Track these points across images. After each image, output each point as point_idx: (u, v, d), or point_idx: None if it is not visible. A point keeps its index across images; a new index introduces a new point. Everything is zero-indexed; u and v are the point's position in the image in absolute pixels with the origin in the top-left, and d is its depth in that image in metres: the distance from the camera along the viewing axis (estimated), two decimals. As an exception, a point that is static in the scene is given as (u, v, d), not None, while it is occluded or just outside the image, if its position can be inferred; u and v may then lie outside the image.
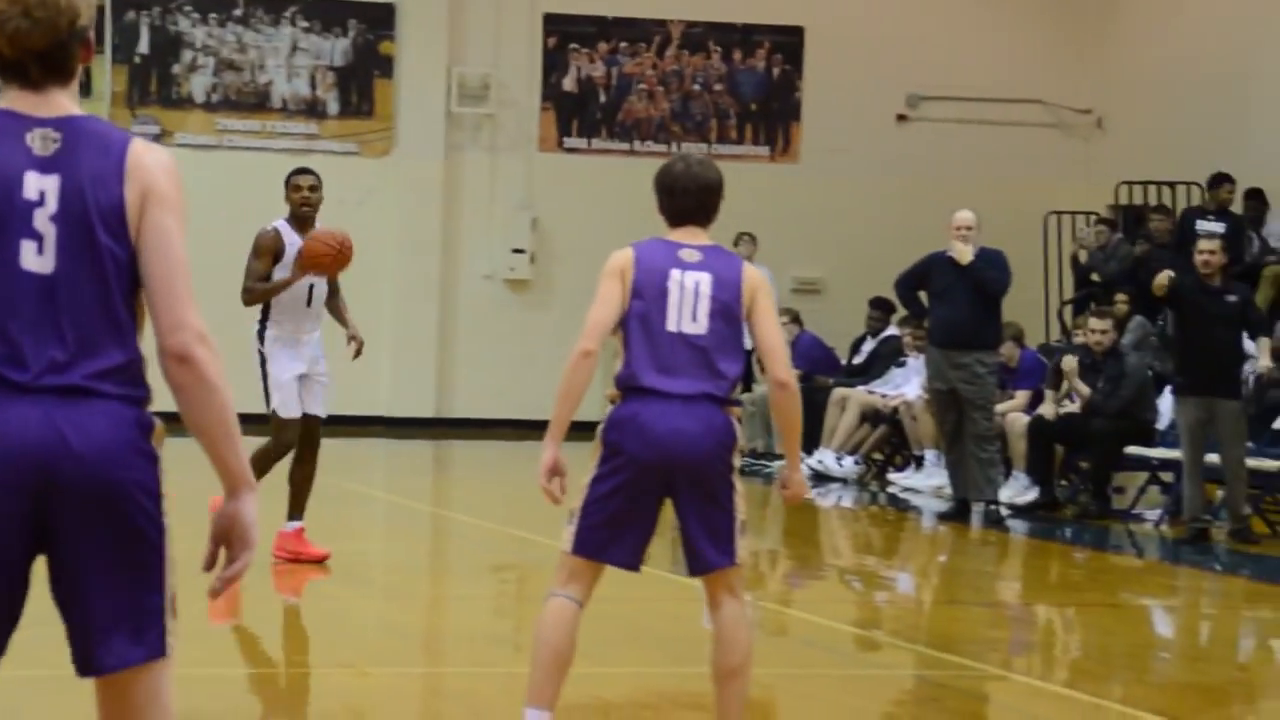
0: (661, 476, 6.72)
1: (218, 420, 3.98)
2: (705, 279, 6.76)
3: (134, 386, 3.97)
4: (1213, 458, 15.47)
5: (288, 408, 11.81)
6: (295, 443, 11.87)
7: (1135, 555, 15.29)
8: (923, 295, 16.84)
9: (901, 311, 21.24)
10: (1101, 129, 24.73)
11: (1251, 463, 15.72)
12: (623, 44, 24.40)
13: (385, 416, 23.38)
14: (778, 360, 6.77)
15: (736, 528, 6.77)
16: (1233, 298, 15.62)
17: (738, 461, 6.82)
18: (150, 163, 4.01)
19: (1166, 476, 16.99)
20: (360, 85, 23.73)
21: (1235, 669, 10.67)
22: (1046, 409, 17.43)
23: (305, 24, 23.62)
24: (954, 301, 16.21)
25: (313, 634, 10.45)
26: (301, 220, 11.82)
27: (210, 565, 4.07)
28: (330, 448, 21.15)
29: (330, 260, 11.44)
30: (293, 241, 11.73)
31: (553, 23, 24.17)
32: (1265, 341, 16.41)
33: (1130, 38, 24.31)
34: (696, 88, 24.55)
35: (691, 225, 6.91)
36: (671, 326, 6.74)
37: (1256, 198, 20.90)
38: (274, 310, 11.94)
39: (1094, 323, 17.56)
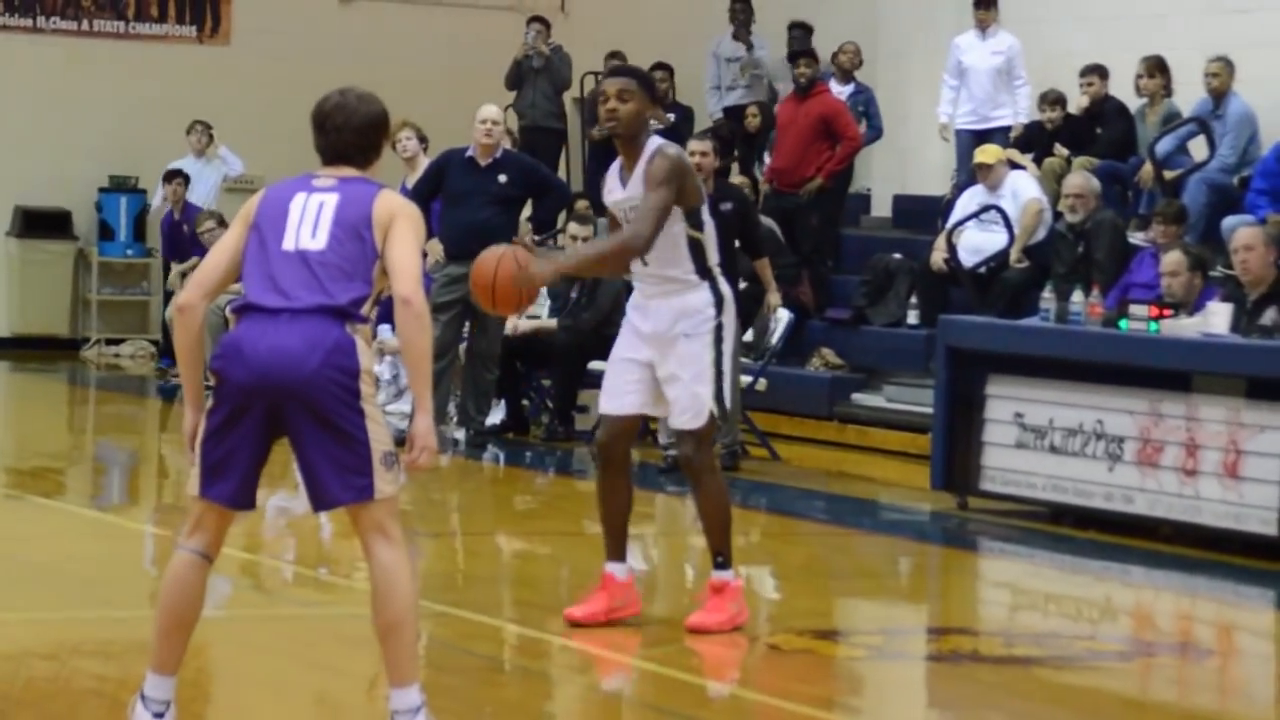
0: (265, 401, 6.63)
1: None
2: (332, 198, 6.82)
3: None
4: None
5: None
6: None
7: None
8: None
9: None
10: (564, 12, 24.86)
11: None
12: (25, -88, 23.83)
13: None
14: (403, 276, 6.72)
15: (375, 459, 6.65)
16: (727, 206, 15.48)
17: (368, 384, 6.69)
18: None
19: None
20: None
21: (687, 594, 10.75)
22: (511, 323, 17.10)
23: None
24: (471, 205, 15.96)
25: None
26: None
27: None
28: None
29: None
30: None
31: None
32: (765, 263, 16.36)
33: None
34: (111, -41, 24.05)
35: (347, 166, 6.95)
36: (289, 245, 6.75)
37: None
38: None
39: (575, 228, 17.30)
